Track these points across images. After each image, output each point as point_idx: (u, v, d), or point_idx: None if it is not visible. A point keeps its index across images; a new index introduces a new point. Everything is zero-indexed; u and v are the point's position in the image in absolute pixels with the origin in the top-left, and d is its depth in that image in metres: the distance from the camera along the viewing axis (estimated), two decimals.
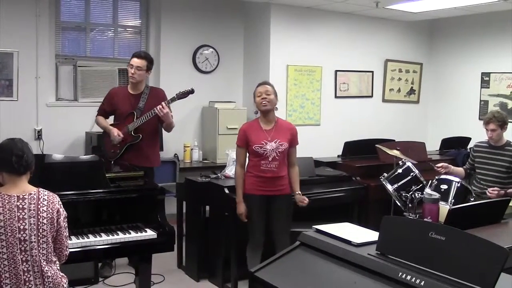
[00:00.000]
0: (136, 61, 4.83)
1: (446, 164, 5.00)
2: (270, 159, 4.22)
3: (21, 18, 5.97)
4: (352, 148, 6.29)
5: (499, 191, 4.57)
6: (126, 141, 4.86)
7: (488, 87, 7.73)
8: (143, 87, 4.95)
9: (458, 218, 3.38)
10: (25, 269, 2.68)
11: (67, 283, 2.86)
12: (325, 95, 7.66)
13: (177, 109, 6.63)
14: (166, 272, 5.05)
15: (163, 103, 4.78)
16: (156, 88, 5.29)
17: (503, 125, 4.89)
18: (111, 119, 5.08)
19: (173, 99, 4.82)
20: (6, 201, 2.68)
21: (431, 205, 3.75)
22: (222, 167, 5.33)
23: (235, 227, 4.56)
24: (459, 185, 4.29)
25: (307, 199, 4.42)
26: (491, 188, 4.61)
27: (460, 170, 5.15)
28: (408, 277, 2.16)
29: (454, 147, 7.00)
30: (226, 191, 4.64)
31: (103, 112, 5.03)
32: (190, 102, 6.74)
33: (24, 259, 2.68)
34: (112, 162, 4.75)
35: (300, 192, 4.43)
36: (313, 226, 2.89)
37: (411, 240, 2.31)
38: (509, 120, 5.19)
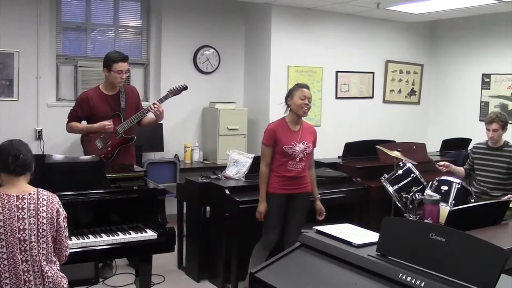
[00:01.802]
0: (124, 66, 4.71)
1: (447, 163, 5.02)
2: (297, 159, 4.28)
3: (21, 19, 5.98)
4: (353, 149, 6.29)
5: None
6: (119, 144, 4.78)
7: (489, 88, 7.73)
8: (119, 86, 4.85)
9: (459, 219, 3.38)
10: (25, 269, 2.68)
11: (67, 283, 2.86)
12: (326, 96, 7.66)
13: (178, 110, 6.68)
14: (166, 273, 5.05)
15: (156, 101, 4.76)
16: (128, 86, 5.19)
17: (504, 126, 4.91)
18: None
19: (166, 97, 4.81)
20: (6, 200, 2.68)
21: (431, 206, 3.75)
22: (223, 167, 5.34)
23: (235, 228, 4.56)
24: (459, 186, 4.29)
25: (324, 213, 4.54)
26: (507, 196, 4.58)
27: (461, 169, 5.17)
28: (408, 278, 2.16)
29: (454, 148, 7.00)
30: (227, 191, 4.64)
31: (76, 118, 4.82)
32: (190, 102, 6.78)
33: (24, 259, 2.68)
34: None
35: (319, 196, 4.56)
36: (313, 227, 2.89)
37: (412, 241, 2.31)
38: (509, 122, 5.20)
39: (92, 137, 4.78)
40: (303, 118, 4.44)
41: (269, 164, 4.34)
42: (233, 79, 7.45)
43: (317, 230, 2.83)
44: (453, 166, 5.05)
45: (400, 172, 4.68)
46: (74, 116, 4.84)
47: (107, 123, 4.67)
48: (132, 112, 4.80)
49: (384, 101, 8.30)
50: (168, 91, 4.83)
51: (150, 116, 4.87)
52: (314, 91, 7.49)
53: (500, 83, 7.58)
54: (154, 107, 4.72)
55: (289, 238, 4.32)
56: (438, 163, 5.01)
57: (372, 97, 8.16)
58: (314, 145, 4.48)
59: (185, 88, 4.88)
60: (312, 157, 4.52)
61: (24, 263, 2.68)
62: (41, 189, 2.81)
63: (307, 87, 4.38)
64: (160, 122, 4.97)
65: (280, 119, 4.42)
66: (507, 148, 4.94)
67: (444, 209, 3.81)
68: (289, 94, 4.37)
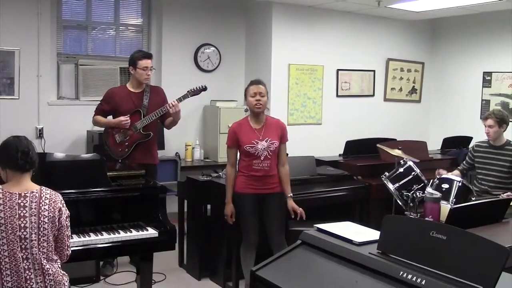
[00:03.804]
0: (149, 62, 4.89)
1: (442, 171, 4.92)
2: (262, 158, 4.20)
3: (22, 17, 5.97)
4: (354, 147, 6.29)
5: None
6: (136, 139, 4.87)
7: (490, 87, 7.73)
8: (144, 85, 4.97)
9: (459, 217, 3.38)
10: (26, 266, 2.68)
11: (68, 281, 2.87)
12: (327, 94, 7.65)
13: None
14: (167, 271, 5.05)
15: (175, 100, 4.84)
16: (155, 86, 5.34)
17: (501, 123, 4.88)
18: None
19: (185, 96, 4.92)
20: (7, 198, 2.68)
21: (432, 204, 3.75)
22: (224, 166, 5.31)
23: (236, 226, 4.56)
24: (460, 184, 4.29)
25: (300, 210, 4.32)
26: (506, 194, 4.58)
27: (456, 173, 5.08)
28: (409, 276, 2.16)
29: (455, 146, 7.00)
30: None
31: (102, 112, 4.99)
32: (191, 101, 6.73)
33: (24, 256, 2.68)
34: (120, 161, 4.75)
35: (291, 195, 4.35)
36: (314, 225, 2.89)
37: (412, 239, 2.31)
38: (510, 120, 5.19)
39: (114, 131, 4.91)
40: (269, 113, 4.41)
41: (235, 165, 4.31)
42: (234, 77, 7.44)
43: (318, 228, 2.83)
44: (445, 172, 4.95)
45: (401, 170, 4.68)
46: (99, 109, 5.01)
47: (123, 119, 4.81)
48: (154, 110, 4.88)
49: (385, 99, 8.29)
50: (188, 91, 4.94)
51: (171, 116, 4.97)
52: (315, 89, 7.52)
53: (501, 81, 7.58)
54: (172, 105, 4.79)
55: (273, 240, 4.30)
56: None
57: (373, 95, 8.15)
58: (283, 141, 4.33)
59: (205, 89, 5.02)
60: (283, 153, 4.38)
61: (25, 261, 2.68)
62: (45, 188, 2.81)
63: (257, 82, 4.33)
64: (177, 121, 5.00)
65: (244, 117, 4.40)
66: (509, 147, 4.94)
67: (445, 207, 3.81)
68: (245, 94, 4.36)
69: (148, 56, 4.95)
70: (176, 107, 4.80)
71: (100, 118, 4.99)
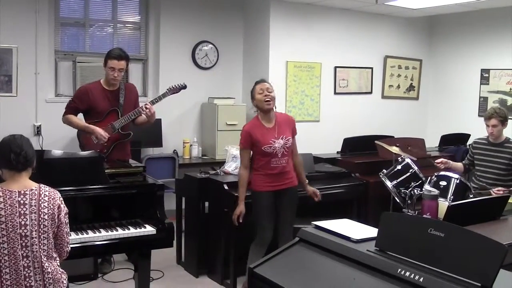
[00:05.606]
0: (117, 63, 4.69)
1: (445, 160, 5.02)
2: (279, 156, 4.23)
3: (20, 14, 5.96)
4: (352, 145, 6.29)
5: (504, 191, 4.53)
6: (116, 139, 4.80)
7: (488, 84, 7.73)
8: (119, 83, 4.86)
9: (457, 214, 3.39)
10: (25, 264, 2.68)
11: (66, 279, 2.87)
12: (325, 91, 7.65)
13: (177, 105, 6.68)
14: (165, 268, 5.05)
15: (148, 103, 4.77)
16: (129, 83, 5.25)
17: (504, 121, 4.90)
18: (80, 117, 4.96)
19: (164, 95, 4.85)
20: (7, 196, 2.68)
21: (430, 202, 3.76)
22: (222, 163, 5.34)
23: (233, 224, 4.56)
24: (458, 181, 4.29)
25: (319, 193, 4.53)
26: (496, 189, 4.59)
27: (459, 165, 5.16)
28: (407, 273, 2.16)
29: (453, 143, 7.01)
30: (225, 187, 4.64)
31: (74, 110, 4.84)
32: (189, 98, 6.77)
33: (24, 254, 2.68)
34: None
35: (307, 182, 4.55)
36: (312, 222, 2.89)
37: (410, 237, 2.31)
38: (509, 117, 5.20)
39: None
40: (276, 110, 4.38)
41: (248, 167, 4.29)
42: (231, 74, 7.43)
43: (316, 225, 2.84)
44: (451, 162, 5.05)
45: (399, 167, 4.68)
46: (73, 108, 4.86)
47: (104, 134, 4.68)
48: (130, 109, 4.83)
49: (383, 97, 8.29)
50: (167, 89, 4.88)
51: (143, 116, 4.86)
52: (313, 87, 7.52)
53: (499, 78, 7.58)
54: (146, 109, 4.72)
55: (282, 234, 4.32)
56: (436, 161, 5.00)
57: (371, 92, 8.15)
58: (294, 134, 4.40)
59: (184, 87, 4.95)
60: (294, 145, 4.43)
61: (25, 259, 2.68)
62: (43, 185, 2.81)
63: (262, 80, 4.35)
64: (151, 123, 4.96)
65: (254, 118, 4.38)
66: (508, 144, 4.94)
67: (443, 205, 3.81)
68: (251, 95, 4.33)
69: (118, 57, 4.69)
70: (150, 110, 4.72)
71: (74, 119, 4.84)
